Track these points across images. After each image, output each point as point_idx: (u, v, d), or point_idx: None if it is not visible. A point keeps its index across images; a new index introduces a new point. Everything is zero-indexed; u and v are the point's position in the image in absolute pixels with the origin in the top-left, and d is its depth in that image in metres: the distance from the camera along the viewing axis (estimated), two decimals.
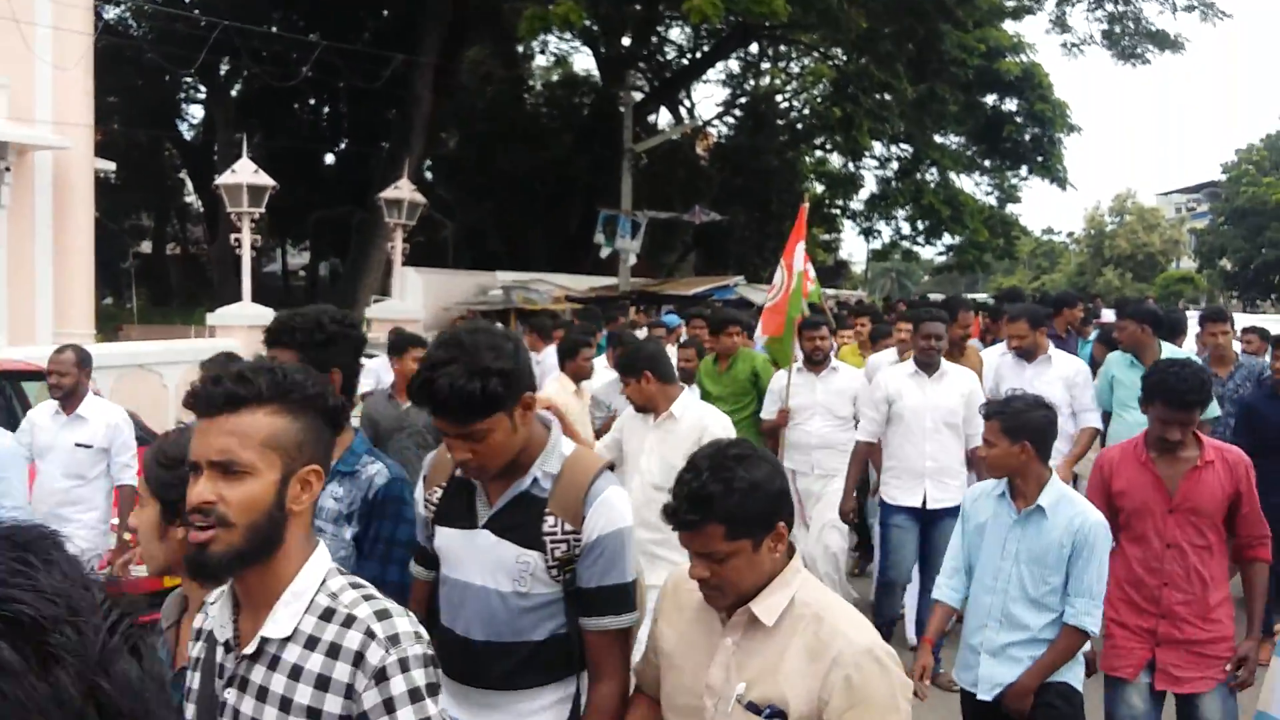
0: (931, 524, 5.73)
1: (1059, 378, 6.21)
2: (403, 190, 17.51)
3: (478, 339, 2.31)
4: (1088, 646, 3.69)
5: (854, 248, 67.92)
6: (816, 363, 6.64)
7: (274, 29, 25.56)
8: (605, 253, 22.57)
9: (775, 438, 6.67)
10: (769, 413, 6.80)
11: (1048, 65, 28.22)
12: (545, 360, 8.63)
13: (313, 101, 30.63)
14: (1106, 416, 6.41)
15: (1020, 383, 5.83)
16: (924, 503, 5.72)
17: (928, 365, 5.76)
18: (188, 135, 32.08)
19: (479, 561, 2.47)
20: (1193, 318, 9.21)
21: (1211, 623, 3.77)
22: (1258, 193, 52.13)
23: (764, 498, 2.08)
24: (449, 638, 2.49)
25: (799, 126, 31.83)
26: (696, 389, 6.78)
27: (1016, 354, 6.38)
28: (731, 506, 2.05)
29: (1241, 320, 11.14)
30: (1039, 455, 3.58)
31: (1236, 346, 7.91)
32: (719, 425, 4.78)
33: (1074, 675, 3.65)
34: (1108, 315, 10.49)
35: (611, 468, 2.65)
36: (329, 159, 32.38)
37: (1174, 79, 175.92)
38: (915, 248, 33.80)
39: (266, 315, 14.09)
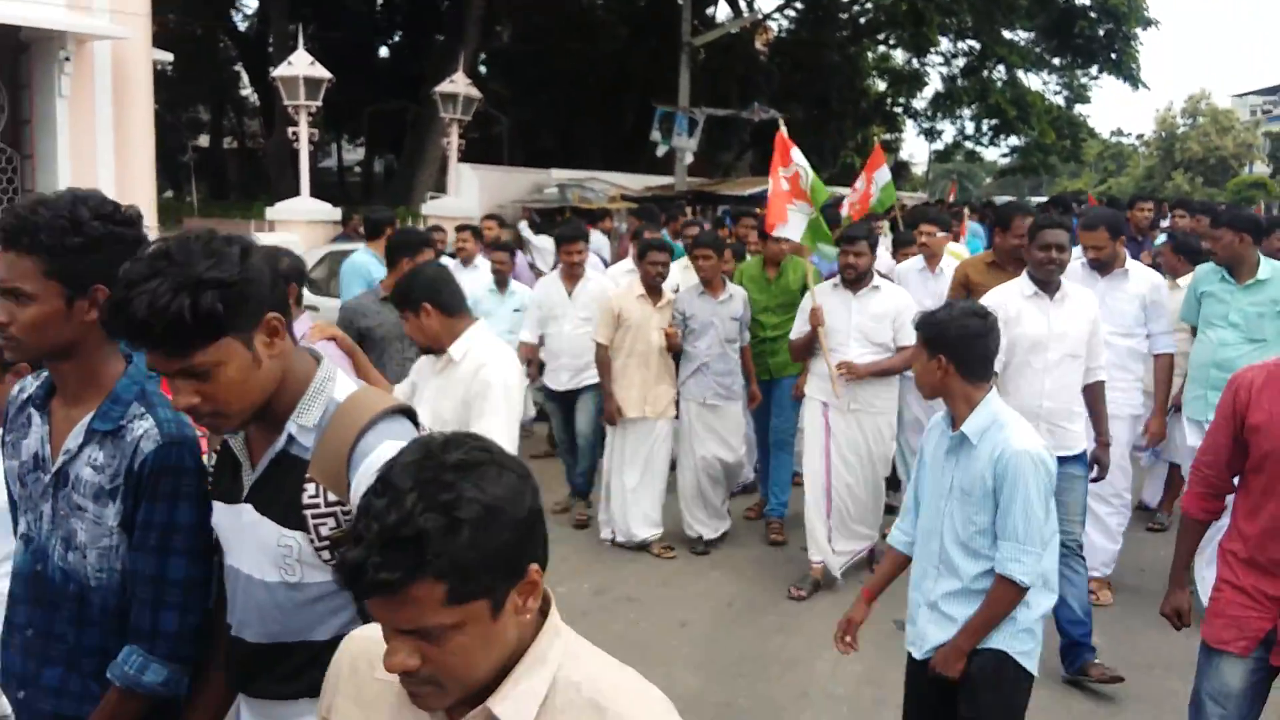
0: None
1: (1135, 295, 5.60)
2: (458, 84, 17.29)
3: (190, 246, 1.79)
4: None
5: (915, 148, 66.33)
6: (852, 281, 5.94)
7: None
8: (662, 151, 22.23)
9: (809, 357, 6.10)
10: (798, 331, 6.12)
11: None
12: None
13: None
14: (1194, 333, 5.89)
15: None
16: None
17: (1047, 284, 4.84)
18: (242, 26, 31.89)
19: (244, 545, 1.99)
20: None
21: None
22: None
23: (505, 529, 1.33)
24: (229, 638, 2.07)
25: (862, 21, 30.83)
26: (672, 302, 6.60)
27: (1090, 265, 5.63)
28: (457, 551, 1.28)
29: None
30: (962, 371, 3.13)
31: None
32: (501, 375, 3.74)
33: (1016, 642, 3.12)
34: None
35: (407, 412, 2.01)
36: (383, 52, 32.05)
37: None
38: (979, 149, 32.93)
39: (325, 210, 14.14)
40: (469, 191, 18.40)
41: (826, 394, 5.92)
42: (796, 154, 6.29)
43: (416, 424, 2.01)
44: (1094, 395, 4.88)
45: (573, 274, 7.01)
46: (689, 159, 22.30)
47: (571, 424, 7.16)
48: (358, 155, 39.05)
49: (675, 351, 6.55)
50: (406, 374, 4.91)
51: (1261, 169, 61.49)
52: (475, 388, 3.74)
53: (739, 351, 6.60)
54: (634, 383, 6.52)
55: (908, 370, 5.60)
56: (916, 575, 3.33)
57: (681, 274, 7.43)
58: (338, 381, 2.00)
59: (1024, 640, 3.12)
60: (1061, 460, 4.55)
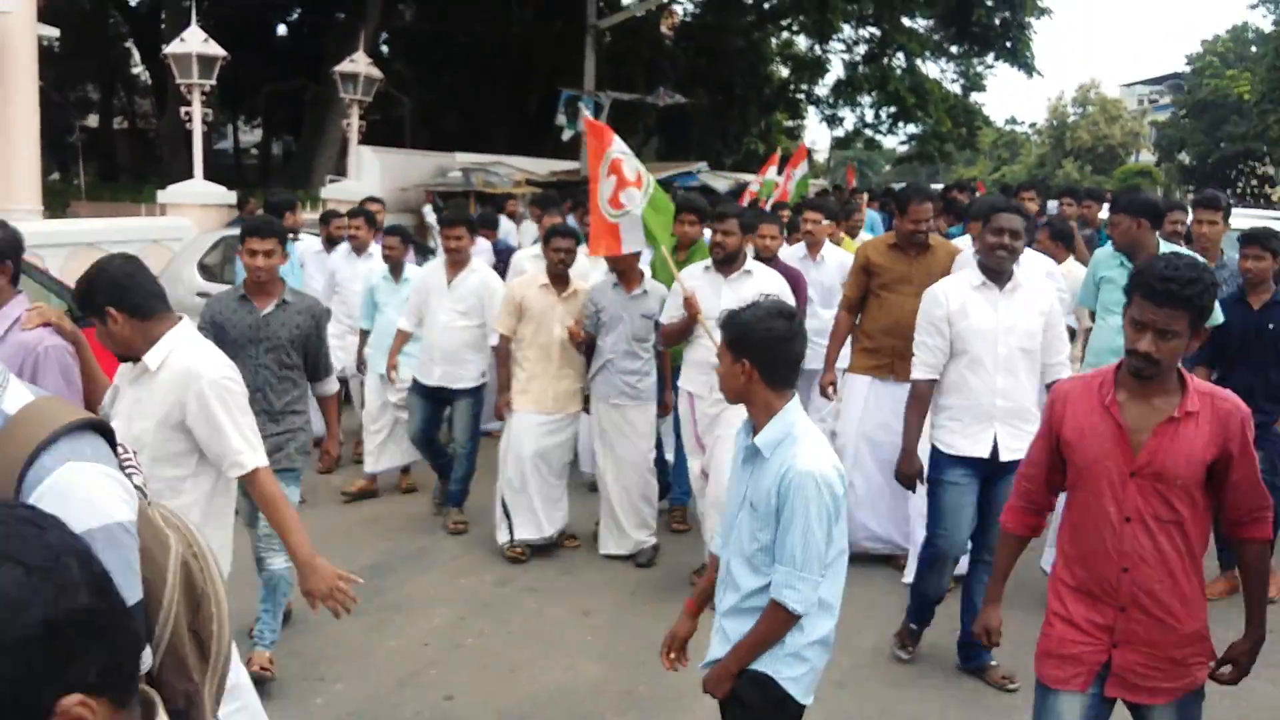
0: (1000, 479, 4.55)
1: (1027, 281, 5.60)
2: (359, 64, 16.95)
3: None
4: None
5: (818, 135, 67.24)
6: (722, 263, 5.70)
7: None
8: (567, 135, 22.12)
9: (682, 343, 5.86)
10: (668, 315, 5.85)
11: None
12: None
13: None
14: (1092, 319, 5.96)
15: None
16: (994, 452, 4.54)
17: (998, 274, 4.51)
18: (134, 1, 30.76)
19: None
20: None
21: (1184, 618, 2.90)
22: (1220, 85, 52.04)
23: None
24: None
25: (766, 6, 31.09)
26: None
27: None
28: None
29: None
30: (765, 377, 2.91)
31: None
32: (210, 379, 3.30)
33: (784, 666, 2.91)
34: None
35: (99, 427, 1.69)
36: (281, 29, 31.22)
37: None
38: (878, 136, 33.51)
39: (219, 193, 13.75)
40: (370, 174, 18.07)
41: (696, 384, 5.70)
42: (617, 142, 5.89)
43: (112, 442, 1.71)
44: None
45: (453, 262, 6.60)
46: None
47: (433, 421, 6.84)
48: (255, 137, 38.04)
49: (588, 345, 6.22)
50: (261, 380, 4.73)
51: (1148, 157, 63.75)
52: (188, 402, 3.30)
53: (652, 351, 6.24)
54: (534, 376, 6.22)
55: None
56: (716, 585, 3.15)
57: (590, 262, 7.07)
58: (9, 389, 1.65)
59: (792, 665, 2.91)
60: (1016, 465, 4.15)
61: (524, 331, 6.24)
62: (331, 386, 5.09)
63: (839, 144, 38.74)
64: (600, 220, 5.87)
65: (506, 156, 21.57)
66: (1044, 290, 4.64)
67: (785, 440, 2.89)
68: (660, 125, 29.81)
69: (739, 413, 4.93)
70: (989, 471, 4.60)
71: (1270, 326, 5.61)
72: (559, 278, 6.26)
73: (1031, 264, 5.50)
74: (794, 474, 2.81)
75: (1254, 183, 56.20)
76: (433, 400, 6.74)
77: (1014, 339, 4.49)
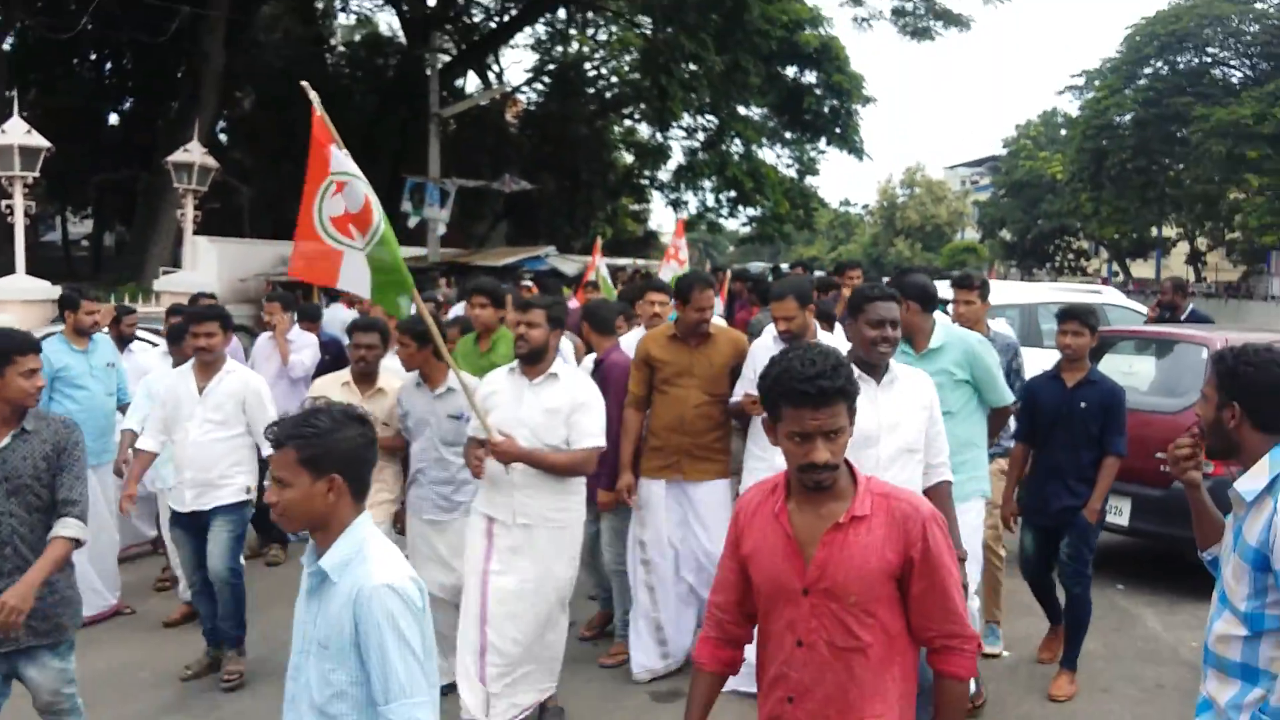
0: None
1: None
2: (193, 153, 16.62)
3: None
4: None
5: (663, 218, 68.86)
6: (526, 359, 4.81)
7: None
8: (413, 222, 22.10)
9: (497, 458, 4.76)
10: (473, 428, 4.87)
11: (843, 39, 29.36)
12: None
13: (94, 56, 28.61)
14: None
15: None
16: None
17: (874, 368, 3.96)
18: None
19: None
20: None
21: None
22: (1034, 167, 55.78)
23: None
24: None
25: (608, 95, 31.95)
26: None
27: (781, 337, 5.13)
28: None
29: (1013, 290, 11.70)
30: (355, 493, 2.55)
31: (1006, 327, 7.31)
32: None
33: None
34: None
35: None
36: (113, 119, 30.34)
37: (961, 54, 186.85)
38: (720, 219, 34.59)
39: (42, 288, 13.18)
40: (207, 265, 17.61)
41: (493, 506, 4.79)
42: (341, 158, 4.46)
43: None
44: (939, 499, 3.98)
45: (203, 363, 5.66)
46: (441, 230, 22.25)
47: (203, 555, 5.64)
48: (86, 228, 36.59)
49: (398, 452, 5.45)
50: (6, 532, 3.77)
51: (972, 234, 67.53)
52: None
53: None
54: None
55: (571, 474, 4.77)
56: None
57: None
58: None
59: None
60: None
61: None
62: (66, 528, 3.80)
63: (684, 227, 39.73)
64: (314, 239, 4.53)
65: None
66: (924, 384, 4.11)
67: (355, 559, 2.51)
68: (508, 210, 30.06)
69: (561, 536, 4.74)
70: None
71: (1083, 405, 5.41)
72: (363, 376, 5.58)
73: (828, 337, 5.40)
74: (369, 591, 2.44)
75: (1070, 256, 60.09)
76: (195, 529, 5.67)
77: (898, 438, 3.93)
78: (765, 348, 5.19)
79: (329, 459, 2.50)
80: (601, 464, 5.24)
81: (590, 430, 4.75)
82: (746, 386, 5.19)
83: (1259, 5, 39.33)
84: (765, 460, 5.02)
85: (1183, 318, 8.89)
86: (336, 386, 5.52)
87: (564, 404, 4.73)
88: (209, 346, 5.60)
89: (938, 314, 5.00)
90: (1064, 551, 5.40)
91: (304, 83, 4.46)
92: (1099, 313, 5.91)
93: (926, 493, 3.92)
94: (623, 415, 5.58)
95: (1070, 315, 5.59)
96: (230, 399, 5.61)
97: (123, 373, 7.11)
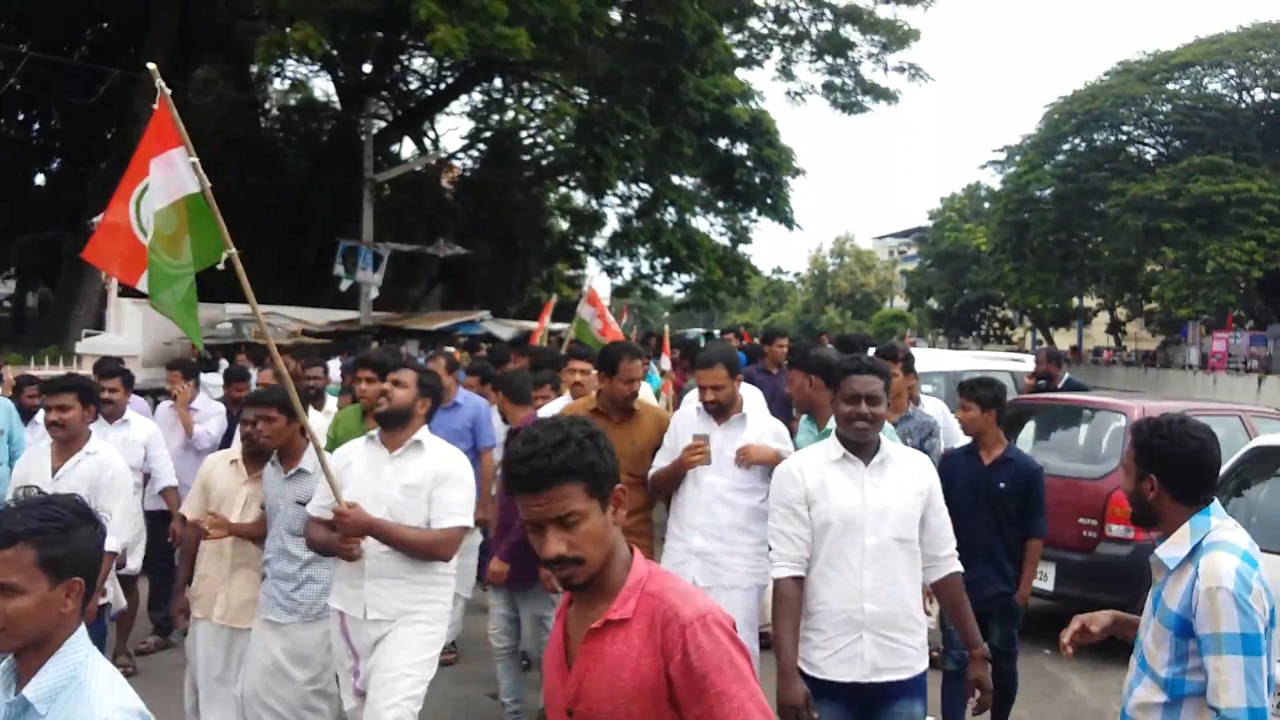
0: (875, 712, 3.53)
1: (756, 438, 4.71)
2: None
3: None
4: None
5: (599, 284, 69.34)
6: (389, 427, 4.28)
7: None
8: (345, 285, 21.96)
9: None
10: (314, 506, 4.31)
11: (774, 112, 30.23)
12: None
13: (21, 117, 28.21)
14: None
15: (711, 448, 4.56)
16: (870, 673, 3.50)
17: (861, 446, 3.61)
18: None
19: None
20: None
21: None
22: (959, 238, 57.29)
23: None
24: None
25: (544, 163, 32.23)
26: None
27: (706, 408, 4.76)
28: None
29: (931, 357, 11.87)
30: (84, 601, 2.19)
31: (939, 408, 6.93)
32: None
33: None
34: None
35: None
36: (39, 179, 29.86)
37: (889, 129, 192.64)
38: (655, 286, 34.89)
39: None
40: (131, 328, 17.29)
41: (344, 599, 4.23)
42: (184, 172, 4.01)
43: None
44: (950, 593, 3.68)
45: (60, 440, 5.08)
46: (374, 293, 22.13)
47: None
48: (8, 289, 35.74)
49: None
50: None
51: (901, 303, 68.84)
52: None
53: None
54: (204, 575, 4.83)
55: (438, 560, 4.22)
56: None
57: None
58: None
59: None
60: (894, 689, 3.48)
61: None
62: None
63: (618, 292, 40.04)
64: (122, 230, 4.00)
65: (282, 307, 21.13)
66: (920, 465, 3.69)
67: (69, 686, 2.08)
68: (443, 274, 29.99)
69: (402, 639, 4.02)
70: (866, 701, 3.51)
71: (1001, 486, 5.18)
72: (253, 455, 4.86)
73: (751, 398, 4.95)
74: None
75: (995, 324, 61.53)
76: None
77: (886, 526, 3.52)
78: (687, 418, 4.85)
79: (72, 559, 2.11)
80: (500, 535, 4.98)
81: (454, 507, 4.16)
82: (664, 459, 4.85)
83: (1170, 86, 41.06)
84: (681, 540, 4.76)
85: (1060, 386, 8.95)
86: (225, 463, 4.93)
87: (427, 477, 4.18)
88: (62, 421, 4.98)
89: None
90: (997, 637, 5.13)
91: (151, 65, 4.02)
92: (997, 384, 5.34)
93: (935, 587, 3.68)
94: None
95: (960, 390, 5.43)
96: (84, 482, 4.89)
97: (19, 441, 6.76)
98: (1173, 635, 2.74)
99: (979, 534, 5.05)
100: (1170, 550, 2.81)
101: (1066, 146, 43.92)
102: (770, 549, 3.68)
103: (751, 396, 4.92)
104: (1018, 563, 5.22)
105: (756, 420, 4.81)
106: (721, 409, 4.71)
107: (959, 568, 3.69)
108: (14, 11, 25.48)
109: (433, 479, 4.18)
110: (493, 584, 5.39)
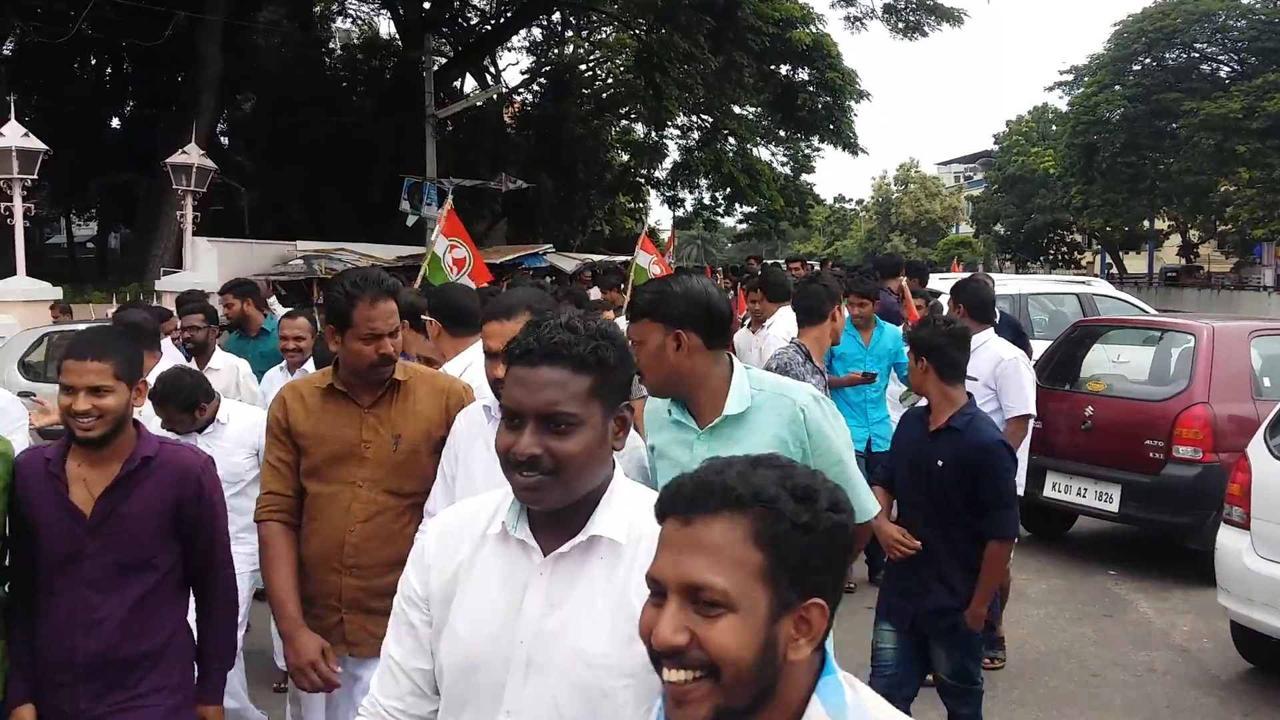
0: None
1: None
2: (191, 155, 16.77)
3: None
4: None
5: (661, 215, 69.12)
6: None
7: None
8: (411, 221, 22.26)
9: None
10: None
11: (835, 37, 29.40)
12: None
13: (94, 61, 28.74)
14: None
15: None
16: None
17: None
18: None
19: None
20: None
21: None
22: (1026, 162, 55.98)
23: None
24: None
25: (604, 95, 32.11)
26: None
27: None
28: None
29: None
30: None
31: None
32: None
33: None
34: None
35: None
36: (114, 123, 30.48)
37: (951, 52, 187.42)
38: (716, 216, 34.75)
39: (43, 289, 13.33)
40: (207, 266, 17.78)
41: None
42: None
43: None
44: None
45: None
46: None
47: None
48: (92, 230, 36.80)
49: None
50: None
51: (967, 229, 67.65)
52: None
53: None
54: None
55: None
56: None
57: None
58: None
59: None
60: None
61: None
62: None
63: (680, 224, 40.01)
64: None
65: (350, 244, 21.52)
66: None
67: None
68: (506, 209, 30.22)
69: None
70: None
71: (940, 464, 3.75)
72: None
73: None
74: None
75: (1064, 250, 60.31)
76: None
77: None
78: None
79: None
80: None
81: None
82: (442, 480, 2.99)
83: (1245, 1, 39.52)
84: None
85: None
86: None
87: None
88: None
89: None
90: (945, 669, 3.78)
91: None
92: (936, 325, 3.88)
93: None
94: None
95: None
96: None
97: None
98: None
99: (920, 530, 3.80)
100: None
101: (1137, 66, 42.57)
102: None
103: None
104: (972, 569, 3.73)
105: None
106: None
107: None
108: None
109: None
110: None
